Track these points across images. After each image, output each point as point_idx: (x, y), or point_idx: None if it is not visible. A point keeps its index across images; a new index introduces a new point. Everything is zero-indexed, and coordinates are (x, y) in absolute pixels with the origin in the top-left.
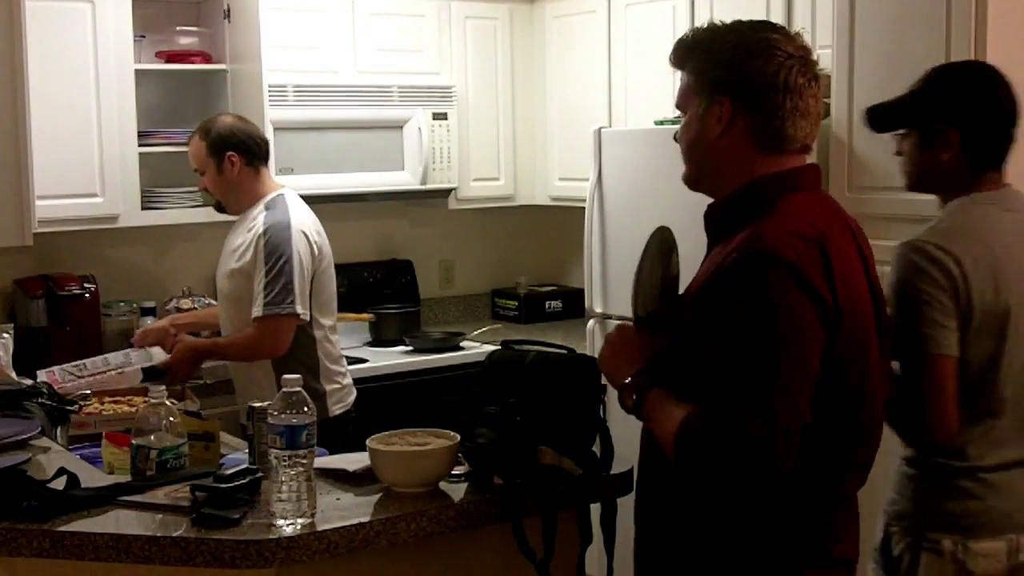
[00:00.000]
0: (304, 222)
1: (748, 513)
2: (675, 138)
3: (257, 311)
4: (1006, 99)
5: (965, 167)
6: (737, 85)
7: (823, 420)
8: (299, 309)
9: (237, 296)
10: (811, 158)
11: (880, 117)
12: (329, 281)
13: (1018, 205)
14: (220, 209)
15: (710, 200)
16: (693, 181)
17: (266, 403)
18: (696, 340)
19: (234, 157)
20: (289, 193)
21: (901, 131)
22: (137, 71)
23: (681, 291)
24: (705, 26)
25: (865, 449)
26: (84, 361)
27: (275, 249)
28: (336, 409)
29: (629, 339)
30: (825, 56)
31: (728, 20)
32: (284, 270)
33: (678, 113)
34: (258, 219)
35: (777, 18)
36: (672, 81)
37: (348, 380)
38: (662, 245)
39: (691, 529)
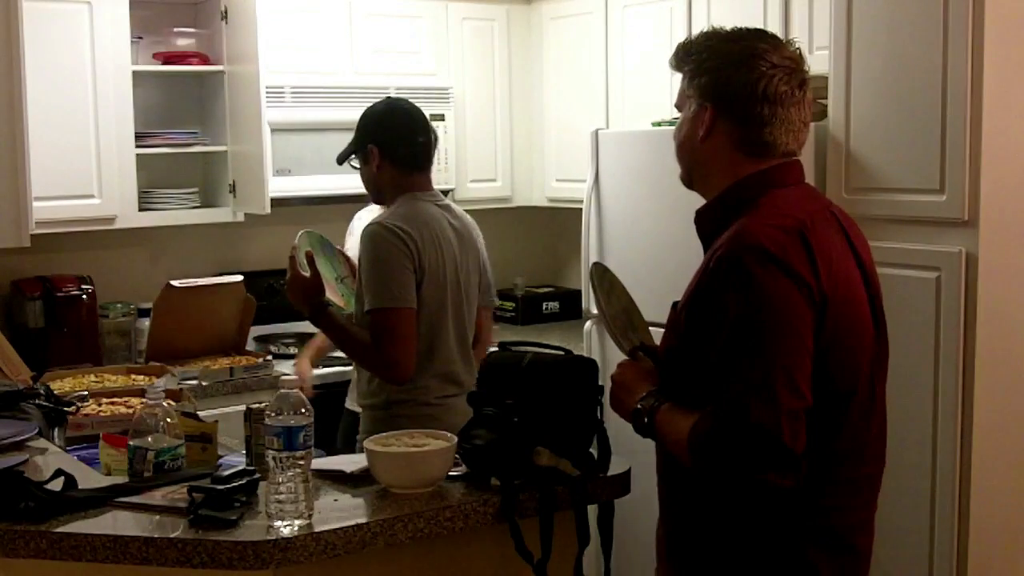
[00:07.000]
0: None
1: (757, 501)
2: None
3: None
4: (409, 114)
5: (394, 173)
6: (717, 93)
7: (817, 404)
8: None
9: None
10: (808, 159)
11: (340, 157)
12: None
13: (443, 202)
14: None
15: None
16: (687, 180)
17: (263, 404)
18: (693, 343)
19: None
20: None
21: (355, 161)
22: (134, 72)
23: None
24: (705, 31)
25: (865, 432)
26: None
27: None
28: None
29: (630, 369)
30: (822, 57)
31: (726, 24)
32: None
33: (675, 114)
34: None
35: (774, 20)
36: (670, 83)
37: None
38: (601, 282)
39: (715, 522)
